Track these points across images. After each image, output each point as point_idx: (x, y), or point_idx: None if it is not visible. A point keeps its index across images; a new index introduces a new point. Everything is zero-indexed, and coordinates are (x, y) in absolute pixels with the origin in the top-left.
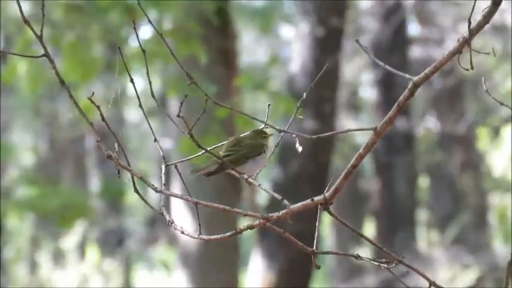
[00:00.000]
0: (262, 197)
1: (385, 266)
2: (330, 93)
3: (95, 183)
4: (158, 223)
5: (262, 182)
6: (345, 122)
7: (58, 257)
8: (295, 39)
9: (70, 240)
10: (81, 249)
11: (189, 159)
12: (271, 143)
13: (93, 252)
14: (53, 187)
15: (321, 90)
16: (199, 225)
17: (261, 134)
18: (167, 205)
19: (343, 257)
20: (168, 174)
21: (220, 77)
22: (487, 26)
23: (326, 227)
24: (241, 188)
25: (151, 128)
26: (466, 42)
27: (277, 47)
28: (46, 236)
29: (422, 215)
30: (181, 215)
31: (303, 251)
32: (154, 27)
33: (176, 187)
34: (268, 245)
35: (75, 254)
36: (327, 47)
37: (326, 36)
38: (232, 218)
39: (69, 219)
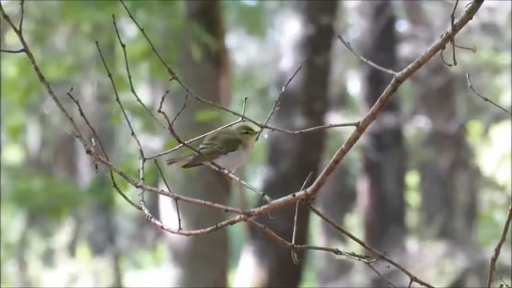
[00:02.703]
0: (254, 194)
1: (366, 261)
2: (320, 91)
3: (86, 181)
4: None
5: (253, 179)
6: (335, 119)
7: (48, 255)
8: (285, 37)
9: (59, 239)
10: (71, 248)
11: (167, 152)
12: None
13: (83, 251)
14: (43, 180)
15: (311, 88)
16: (179, 220)
17: (242, 130)
18: (156, 202)
19: (332, 255)
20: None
21: (211, 74)
22: (476, 24)
23: (316, 227)
24: (230, 185)
25: (128, 122)
26: (449, 38)
27: (267, 45)
28: (36, 234)
29: (411, 212)
30: (170, 212)
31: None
32: (136, 23)
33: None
34: (258, 243)
35: (65, 253)
36: (318, 44)
37: (316, 34)
38: (222, 215)
39: (60, 210)
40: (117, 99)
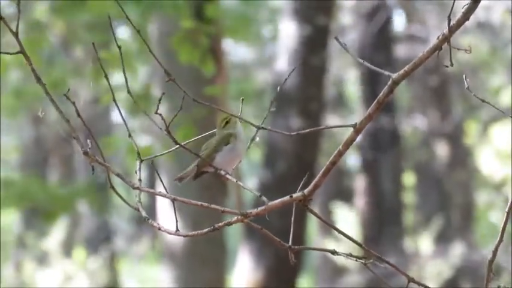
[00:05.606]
0: (250, 194)
1: (363, 262)
2: (317, 91)
3: (82, 181)
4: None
5: (249, 180)
6: (332, 119)
7: (43, 256)
8: (281, 38)
9: (54, 239)
10: (67, 247)
11: (164, 153)
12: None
13: (78, 250)
14: (37, 182)
15: (308, 88)
16: (176, 221)
17: (222, 123)
18: (153, 201)
19: (330, 255)
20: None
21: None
22: (472, 23)
23: (314, 225)
24: (226, 185)
25: (124, 122)
26: (445, 40)
27: (262, 45)
28: (32, 235)
29: (408, 212)
30: (167, 211)
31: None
32: (131, 24)
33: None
34: (255, 243)
35: (59, 253)
36: (314, 45)
37: (313, 35)
38: (221, 215)
39: (55, 213)
40: (114, 99)
